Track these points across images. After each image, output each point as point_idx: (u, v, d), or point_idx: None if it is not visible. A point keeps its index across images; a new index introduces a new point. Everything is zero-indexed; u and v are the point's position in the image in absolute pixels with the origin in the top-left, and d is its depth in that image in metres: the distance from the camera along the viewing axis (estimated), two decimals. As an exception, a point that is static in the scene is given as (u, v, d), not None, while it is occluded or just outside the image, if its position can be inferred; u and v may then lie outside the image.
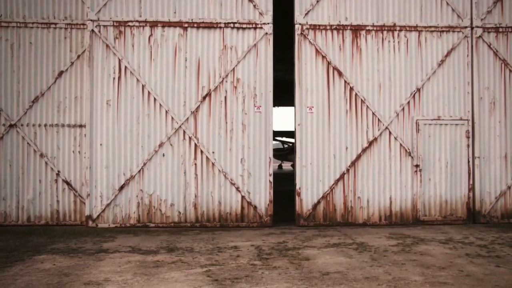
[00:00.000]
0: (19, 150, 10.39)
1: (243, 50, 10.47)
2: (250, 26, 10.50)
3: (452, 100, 10.77)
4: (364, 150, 10.58)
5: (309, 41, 10.58)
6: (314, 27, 10.60)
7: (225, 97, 10.42)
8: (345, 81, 10.59)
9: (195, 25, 10.43)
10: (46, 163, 10.38)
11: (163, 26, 10.40)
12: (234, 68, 10.44)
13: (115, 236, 9.01)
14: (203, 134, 10.37)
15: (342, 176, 10.52)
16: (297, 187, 10.41)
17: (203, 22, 10.44)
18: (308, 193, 10.45)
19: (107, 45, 10.28)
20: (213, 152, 10.36)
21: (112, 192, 10.20)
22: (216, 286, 5.64)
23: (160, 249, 7.85)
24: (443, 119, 10.71)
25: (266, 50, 10.52)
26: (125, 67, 10.30)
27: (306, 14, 10.57)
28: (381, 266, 6.68)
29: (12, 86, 10.44)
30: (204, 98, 10.38)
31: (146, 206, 10.24)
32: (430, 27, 10.77)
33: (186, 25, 10.42)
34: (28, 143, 10.39)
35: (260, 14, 10.51)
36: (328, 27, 10.61)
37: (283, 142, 37.03)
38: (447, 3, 10.76)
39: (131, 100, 10.31)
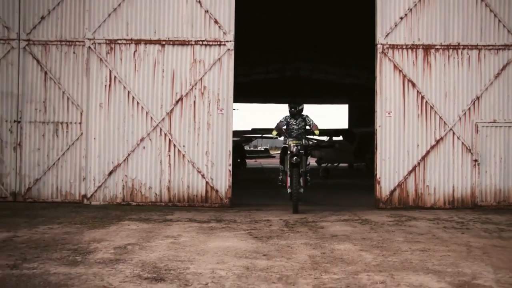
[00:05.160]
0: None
1: (210, 63, 12.80)
2: (216, 43, 12.83)
3: (506, 106, 12.87)
4: (432, 147, 12.78)
5: (388, 58, 12.83)
6: (393, 47, 12.85)
7: (194, 101, 12.78)
8: (417, 91, 12.81)
9: (171, 43, 12.83)
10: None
11: (145, 43, 12.84)
12: (202, 78, 12.78)
13: (173, 212, 11.41)
14: (176, 131, 12.76)
15: (414, 168, 12.75)
16: (378, 176, 12.71)
17: (177, 40, 12.83)
18: (386, 182, 12.72)
19: (100, 59, 12.79)
20: (183, 146, 12.75)
21: (102, 177, 12.70)
22: (256, 240, 8.11)
23: (211, 220, 10.25)
24: (498, 122, 12.85)
25: (228, 63, 12.82)
26: (114, 77, 12.79)
27: (386, 36, 12.82)
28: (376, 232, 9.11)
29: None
30: (177, 102, 12.78)
31: (130, 188, 12.72)
32: (489, 45, 12.87)
33: (164, 42, 12.83)
34: None
35: (224, 33, 12.82)
36: (404, 46, 12.84)
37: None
38: (504, 26, 12.84)
39: (119, 103, 12.78)
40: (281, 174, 12.61)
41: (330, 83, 33.26)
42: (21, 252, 7.02)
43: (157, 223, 9.82)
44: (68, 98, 12.97)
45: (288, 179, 11.94)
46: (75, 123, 12.94)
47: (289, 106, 12.49)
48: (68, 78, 13.00)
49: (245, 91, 31.20)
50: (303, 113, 12.34)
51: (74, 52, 12.98)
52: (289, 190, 11.96)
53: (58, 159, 12.82)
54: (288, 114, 12.44)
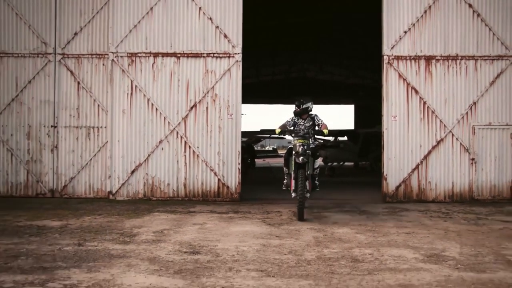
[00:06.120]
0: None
1: (220, 73, 14.36)
2: (225, 55, 14.41)
3: (500, 110, 14.37)
4: (433, 148, 14.30)
5: (394, 68, 14.36)
6: (397, 58, 14.37)
7: (207, 107, 14.36)
8: (420, 97, 14.33)
9: (186, 55, 14.40)
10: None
11: (162, 56, 14.40)
12: (213, 86, 14.35)
13: (194, 205, 12.90)
14: (190, 134, 14.32)
15: (417, 166, 14.27)
16: (384, 174, 14.23)
17: (191, 53, 14.39)
18: (392, 178, 14.21)
19: (123, 70, 14.35)
20: (197, 147, 14.32)
21: (126, 175, 14.23)
22: (269, 226, 9.71)
23: (228, 211, 11.79)
24: (493, 125, 14.35)
25: (237, 73, 14.39)
26: (135, 86, 14.35)
27: (392, 48, 14.34)
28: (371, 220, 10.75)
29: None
30: (191, 108, 14.35)
31: (150, 185, 14.28)
32: (484, 56, 14.39)
33: (179, 55, 14.39)
34: None
35: (233, 46, 14.40)
36: (407, 57, 14.36)
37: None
38: (498, 38, 14.35)
39: (140, 110, 14.32)
40: (285, 177, 11.28)
41: (335, 84, 34.55)
42: (80, 235, 8.63)
43: (183, 214, 11.42)
44: (98, 105, 14.57)
45: (293, 182, 10.67)
46: (105, 127, 14.52)
47: (295, 104, 11.18)
48: (98, 87, 14.61)
49: (253, 92, 32.62)
50: (311, 113, 11.15)
51: (103, 64, 14.59)
52: (293, 195, 10.74)
53: (90, 159, 14.46)
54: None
